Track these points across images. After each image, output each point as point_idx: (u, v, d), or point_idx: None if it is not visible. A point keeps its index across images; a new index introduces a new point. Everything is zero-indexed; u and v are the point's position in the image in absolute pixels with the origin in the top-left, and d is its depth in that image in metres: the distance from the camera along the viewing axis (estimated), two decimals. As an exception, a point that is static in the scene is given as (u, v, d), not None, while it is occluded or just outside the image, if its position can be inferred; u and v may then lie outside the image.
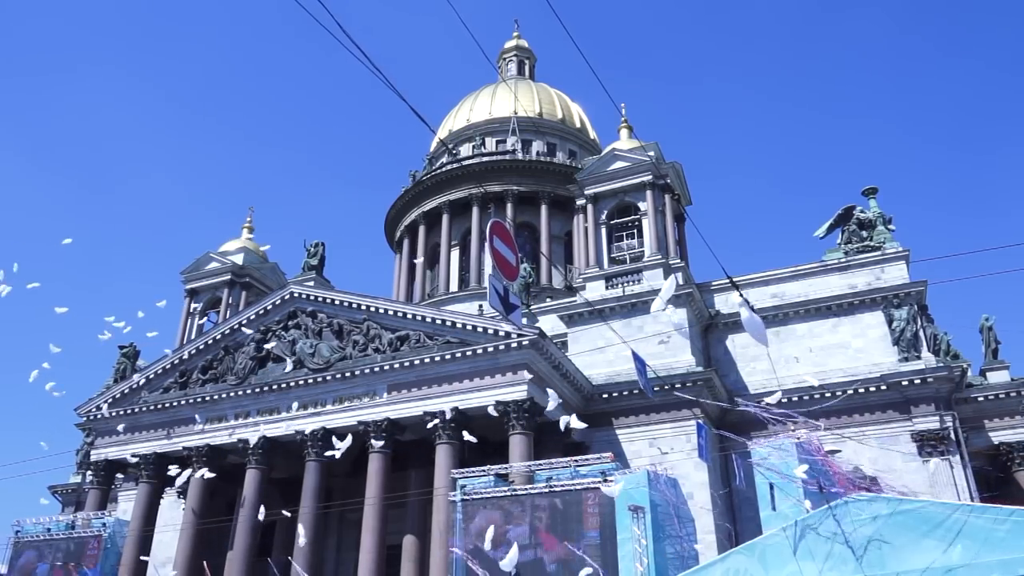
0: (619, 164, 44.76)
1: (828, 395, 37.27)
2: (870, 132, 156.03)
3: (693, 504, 32.19)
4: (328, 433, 37.02)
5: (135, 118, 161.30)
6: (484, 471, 30.49)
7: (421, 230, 66.54)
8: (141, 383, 42.23)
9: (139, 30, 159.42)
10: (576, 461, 29.71)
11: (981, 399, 39.93)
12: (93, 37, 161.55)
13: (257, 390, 39.11)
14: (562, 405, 35.90)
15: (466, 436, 32.24)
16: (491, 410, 32.24)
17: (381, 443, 35.55)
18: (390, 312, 38.14)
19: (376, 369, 36.60)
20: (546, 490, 28.46)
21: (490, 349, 34.66)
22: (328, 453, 33.52)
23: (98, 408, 42.51)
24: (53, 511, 52.40)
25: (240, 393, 39.56)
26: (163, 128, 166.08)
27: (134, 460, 41.53)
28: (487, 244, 16.36)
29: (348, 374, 37.24)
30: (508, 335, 34.14)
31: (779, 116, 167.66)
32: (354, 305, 38.80)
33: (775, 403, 23.36)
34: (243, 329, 40.10)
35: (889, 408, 36.87)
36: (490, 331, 34.84)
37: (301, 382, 38.26)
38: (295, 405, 38.25)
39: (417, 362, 35.94)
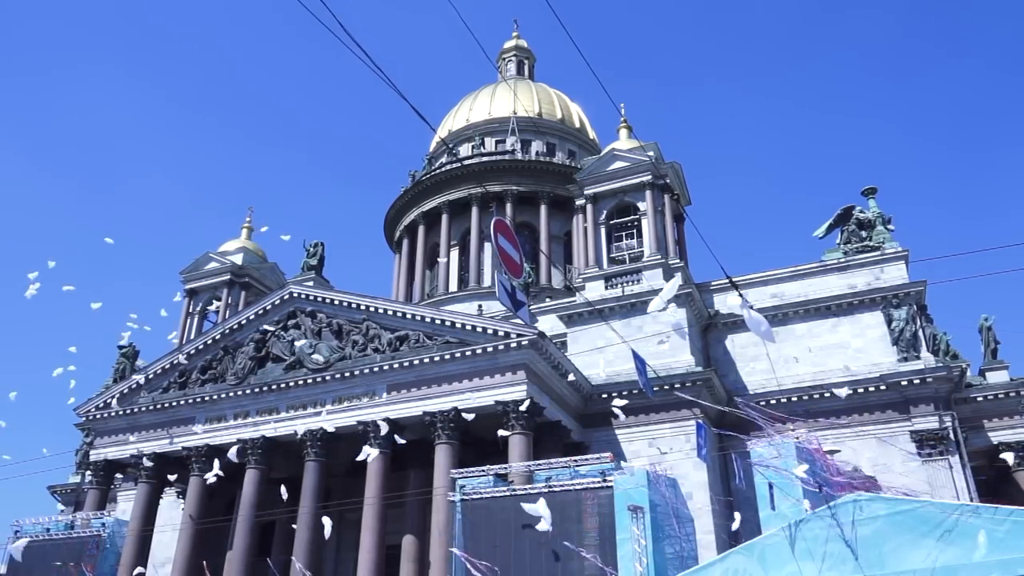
0: (618, 164, 44.77)
1: (827, 395, 37.32)
2: (869, 132, 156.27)
3: (692, 504, 32.21)
4: (328, 433, 37.10)
5: (135, 118, 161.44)
6: (483, 471, 30.48)
7: (420, 230, 66.55)
8: (140, 383, 42.22)
9: (139, 30, 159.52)
10: (575, 461, 29.70)
11: (980, 399, 39.95)
12: (93, 37, 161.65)
13: (256, 390, 39.10)
14: (561, 407, 36.04)
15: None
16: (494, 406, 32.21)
17: (379, 443, 35.58)
18: (389, 312, 38.13)
19: (375, 369, 36.59)
20: (545, 490, 28.43)
21: (489, 349, 34.65)
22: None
23: (97, 408, 42.49)
24: (52, 511, 52.44)
25: (240, 393, 39.55)
26: (163, 128, 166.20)
27: (133, 460, 41.51)
28: (492, 242, 16.41)
29: (347, 374, 37.23)
30: (507, 335, 34.15)
31: (779, 116, 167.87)
32: (353, 305, 38.79)
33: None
34: (242, 329, 40.04)
35: (888, 408, 36.87)
36: (489, 331, 34.84)
37: (300, 382, 38.25)
38: (294, 405, 38.26)
39: (416, 362, 35.93)
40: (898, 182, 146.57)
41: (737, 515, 27.47)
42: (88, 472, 43.80)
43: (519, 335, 33.79)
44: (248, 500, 37.74)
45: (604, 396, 38.21)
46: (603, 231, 44.45)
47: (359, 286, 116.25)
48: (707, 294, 42.72)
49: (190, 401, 40.55)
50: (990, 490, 39.77)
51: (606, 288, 42.03)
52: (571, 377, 37.10)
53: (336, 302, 39.39)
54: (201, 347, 41.77)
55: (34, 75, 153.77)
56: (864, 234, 41.77)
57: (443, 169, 66.69)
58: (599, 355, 38.95)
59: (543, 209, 62.59)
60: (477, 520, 29.15)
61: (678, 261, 42.90)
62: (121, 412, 41.98)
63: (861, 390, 37.09)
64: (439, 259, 62.88)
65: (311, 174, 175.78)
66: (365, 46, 12.32)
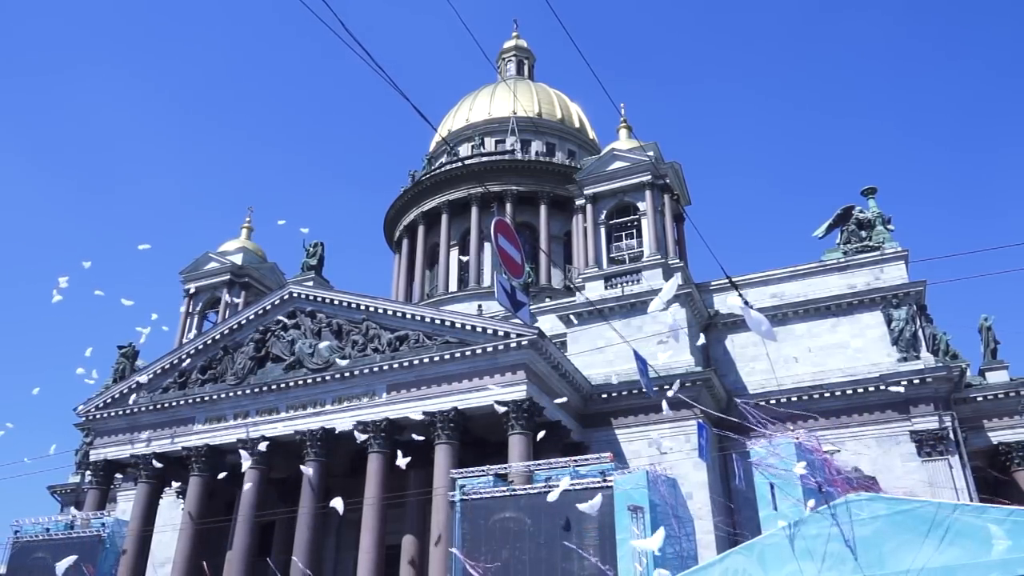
0: (618, 164, 44.77)
1: (827, 395, 37.34)
2: (869, 132, 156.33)
3: (692, 504, 32.20)
4: (328, 433, 37.08)
5: (135, 118, 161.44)
6: (483, 471, 30.47)
7: (420, 230, 66.55)
8: (140, 383, 42.19)
9: (139, 30, 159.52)
10: (575, 461, 29.67)
11: (980, 399, 39.96)
12: (93, 37, 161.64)
13: (256, 390, 39.10)
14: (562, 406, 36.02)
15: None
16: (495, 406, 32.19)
17: (380, 442, 35.61)
18: (389, 312, 38.12)
19: (375, 369, 36.59)
20: (545, 490, 28.41)
21: (489, 349, 34.65)
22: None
23: (97, 408, 42.48)
24: (52, 511, 52.43)
25: (239, 393, 39.54)
26: (163, 128, 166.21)
27: (133, 460, 41.50)
28: (492, 242, 16.40)
29: (347, 374, 37.23)
30: (507, 335, 34.15)
31: (778, 116, 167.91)
32: (353, 305, 38.78)
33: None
34: (242, 329, 40.01)
35: (888, 408, 36.87)
36: (489, 331, 34.83)
37: (300, 382, 38.25)
38: (294, 405, 38.26)
39: (416, 362, 35.93)
40: (898, 182, 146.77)
41: (737, 515, 27.47)
42: (88, 472, 43.78)
43: (519, 335, 33.79)
44: (248, 500, 37.73)
45: (604, 396, 38.24)
46: (603, 231, 44.46)
47: (359, 286, 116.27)
48: (707, 294, 42.72)
49: (190, 401, 40.54)
50: (990, 490, 39.77)
51: (606, 288, 42.04)
52: (571, 377, 37.12)
53: (336, 302, 39.38)
54: (201, 347, 41.75)
55: (34, 75, 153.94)
56: (864, 234, 41.79)
57: (443, 169, 66.69)
58: (599, 355, 38.96)
59: (543, 209, 62.60)
60: (477, 520, 29.13)
61: (678, 261, 42.91)
62: (121, 412, 41.96)
63: (861, 390, 37.12)
64: (439, 259, 62.89)
65: (311, 174, 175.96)
66: (366, 46, 12.32)
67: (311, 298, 40.01)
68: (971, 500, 32.47)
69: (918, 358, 36.97)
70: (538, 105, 70.97)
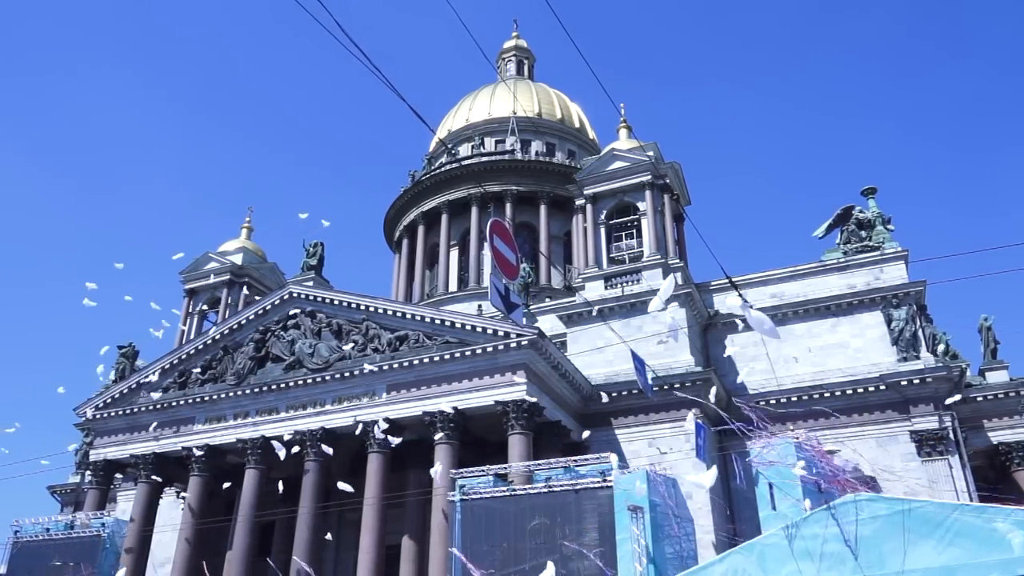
0: (618, 164, 44.76)
1: (827, 395, 37.32)
2: (869, 132, 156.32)
3: (692, 504, 32.17)
4: (328, 433, 37.06)
5: (135, 118, 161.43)
6: (483, 471, 30.44)
7: (420, 230, 66.54)
8: (140, 383, 42.19)
9: (139, 30, 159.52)
10: (575, 461, 29.65)
11: (980, 399, 39.95)
12: (93, 37, 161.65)
13: (256, 390, 39.09)
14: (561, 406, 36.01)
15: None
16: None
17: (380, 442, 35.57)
18: (389, 312, 38.11)
19: (375, 369, 36.59)
20: (545, 490, 28.43)
21: (489, 349, 34.64)
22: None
23: (97, 408, 42.47)
24: (52, 511, 52.42)
25: (239, 393, 39.53)
26: (163, 128, 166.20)
27: (133, 460, 41.48)
28: (487, 243, 16.38)
29: (347, 374, 37.23)
30: (507, 335, 34.14)
31: (778, 116, 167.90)
32: (353, 305, 38.78)
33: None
34: (242, 329, 40.00)
35: (888, 408, 36.84)
36: (489, 331, 34.82)
37: (300, 382, 38.24)
38: (294, 405, 38.25)
39: (416, 362, 35.92)
40: (898, 182, 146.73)
41: (737, 515, 27.46)
42: (88, 472, 43.77)
43: (519, 335, 33.78)
44: (248, 500, 37.72)
45: (604, 396, 38.23)
46: (603, 231, 44.45)
47: (359, 286, 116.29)
48: (707, 294, 42.70)
49: (190, 401, 40.53)
50: (990, 490, 39.76)
51: (606, 288, 42.03)
52: (571, 377, 37.10)
53: (336, 302, 39.38)
54: (201, 347, 41.74)
55: (34, 75, 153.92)
56: (864, 234, 41.76)
57: (443, 169, 66.68)
58: (599, 355, 38.96)
59: (543, 209, 62.60)
60: (477, 520, 29.10)
61: (678, 261, 42.89)
62: (121, 412, 41.95)
63: (861, 390, 37.11)
64: (439, 259, 62.82)
65: (311, 174, 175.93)
66: (365, 46, 12.31)
67: (311, 298, 40.01)
68: (971, 500, 32.45)
69: (918, 358, 36.95)
70: (538, 105, 70.95)
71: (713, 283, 42.79)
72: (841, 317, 40.04)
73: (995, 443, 39.77)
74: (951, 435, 35.07)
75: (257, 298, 46.36)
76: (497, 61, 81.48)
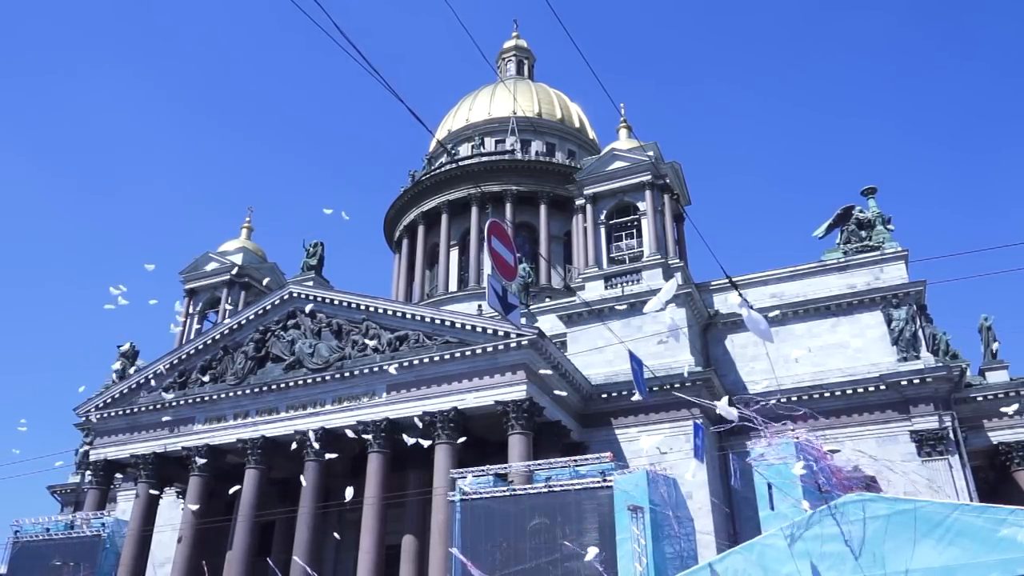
0: (618, 164, 44.75)
1: (827, 395, 37.30)
2: (869, 132, 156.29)
3: (692, 504, 32.17)
4: (328, 433, 37.06)
5: (135, 118, 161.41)
6: (483, 471, 30.45)
7: (420, 230, 66.53)
8: (140, 383, 42.19)
9: (139, 30, 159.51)
10: (575, 461, 29.67)
11: (980, 399, 39.92)
12: (93, 37, 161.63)
13: (256, 390, 39.10)
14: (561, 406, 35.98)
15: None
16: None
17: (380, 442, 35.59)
18: (389, 312, 38.12)
19: (375, 369, 36.58)
20: (545, 490, 28.43)
21: (489, 349, 34.65)
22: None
23: (97, 408, 42.47)
24: (53, 511, 52.42)
25: (239, 393, 39.54)
26: (163, 128, 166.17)
27: (133, 460, 41.48)
28: (485, 244, 16.38)
29: (347, 374, 37.23)
30: (507, 335, 34.14)
31: (778, 116, 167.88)
32: (353, 305, 38.78)
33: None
34: (242, 329, 39.99)
35: (888, 408, 36.84)
36: (489, 331, 34.82)
37: (300, 382, 38.25)
38: (294, 405, 38.25)
39: (416, 362, 35.92)
40: (898, 182, 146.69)
41: (736, 515, 27.44)
42: (88, 472, 43.78)
43: (519, 335, 33.79)
44: (248, 500, 37.72)
45: (604, 396, 38.23)
46: (603, 231, 44.44)
47: (359, 286, 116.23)
48: (707, 294, 42.70)
49: (190, 401, 40.54)
50: (990, 490, 39.76)
51: (606, 288, 42.02)
52: (571, 377, 37.09)
53: (336, 302, 39.38)
54: (201, 347, 41.75)
55: (34, 75, 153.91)
56: (864, 234, 41.76)
57: (443, 169, 66.67)
58: (599, 355, 38.94)
59: (543, 209, 62.59)
60: (477, 520, 29.10)
61: (678, 261, 42.89)
62: (121, 412, 41.97)
63: (861, 390, 37.09)
64: (439, 259, 62.79)
65: (311, 174, 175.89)
66: (363, 47, 12.32)
67: (311, 298, 40.00)
68: (971, 500, 32.44)
69: (918, 358, 36.95)
70: (538, 105, 70.94)
71: (713, 283, 42.79)
72: (841, 317, 40.04)
73: (995, 443, 39.72)
74: (951, 435, 35.07)
75: (257, 298, 46.41)
76: (497, 61, 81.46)
